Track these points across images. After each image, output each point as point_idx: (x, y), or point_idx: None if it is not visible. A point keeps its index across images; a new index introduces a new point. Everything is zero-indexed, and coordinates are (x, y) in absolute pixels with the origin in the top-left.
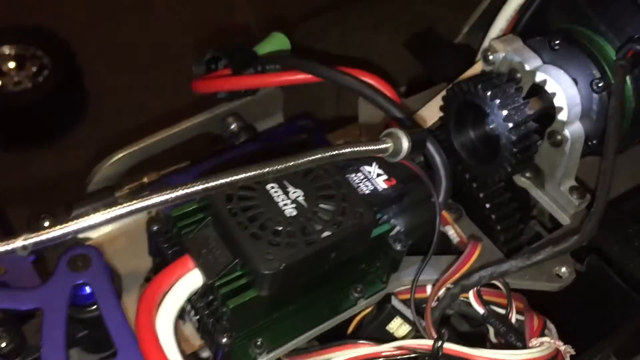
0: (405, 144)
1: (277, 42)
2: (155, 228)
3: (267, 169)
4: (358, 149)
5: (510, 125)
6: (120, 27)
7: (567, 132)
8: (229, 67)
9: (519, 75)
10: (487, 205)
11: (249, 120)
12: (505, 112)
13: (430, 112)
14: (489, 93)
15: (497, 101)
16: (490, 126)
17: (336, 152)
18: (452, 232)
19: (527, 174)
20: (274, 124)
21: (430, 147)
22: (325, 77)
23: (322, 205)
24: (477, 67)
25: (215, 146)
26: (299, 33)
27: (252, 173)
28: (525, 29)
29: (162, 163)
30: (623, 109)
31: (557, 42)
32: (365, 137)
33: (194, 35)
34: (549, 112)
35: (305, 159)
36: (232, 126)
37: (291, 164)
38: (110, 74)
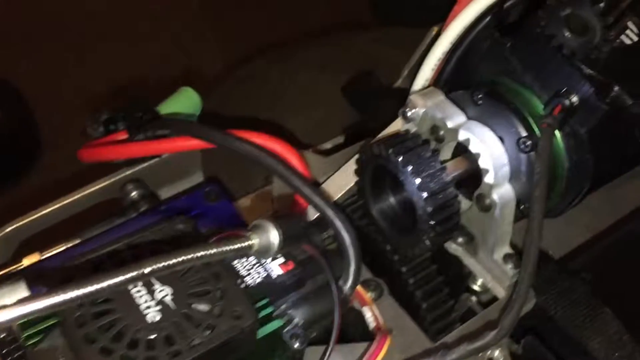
0: (275, 238)
1: (185, 98)
2: None
3: (104, 284)
4: (210, 251)
5: (425, 194)
6: (73, 70)
7: (495, 196)
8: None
9: (442, 133)
10: (411, 281)
11: (158, 185)
12: (418, 180)
13: (346, 177)
14: (400, 158)
15: (410, 167)
16: (406, 194)
17: (182, 258)
18: (369, 315)
19: (460, 240)
20: (192, 185)
21: (337, 223)
22: (220, 144)
23: (194, 306)
24: (397, 124)
25: (110, 218)
26: (239, 74)
27: (92, 288)
28: (451, 80)
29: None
30: (550, 173)
31: (480, 95)
32: (277, 203)
33: (155, 76)
34: (475, 174)
35: (137, 272)
36: (132, 194)
37: (126, 277)
38: (64, 119)
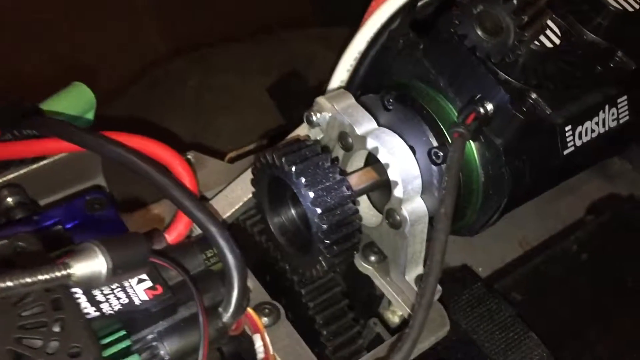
0: (102, 266)
1: (76, 94)
2: None
3: None
4: (10, 283)
5: (319, 210)
6: None
7: (404, 212)
8: None
9: (350, 140)
10: (311, 305)
11: (45, 191)
12: (312, 194)
13: (246, 187)
14: (293, 168)
15: (304, 179)
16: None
17: None
18: (259, 345)
19: (372, 258)
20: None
21: (219, 242)
22: (90, 147)
23: (25, 342)
24: (303, 129)
25: None
26: (157, 74)
27: None
28: (365, 83)
29: None
30: (465, 187)
31: (391, 100)
32: None
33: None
34: (385, 186)
35: None
36: (8, 200)
37: None
38: None
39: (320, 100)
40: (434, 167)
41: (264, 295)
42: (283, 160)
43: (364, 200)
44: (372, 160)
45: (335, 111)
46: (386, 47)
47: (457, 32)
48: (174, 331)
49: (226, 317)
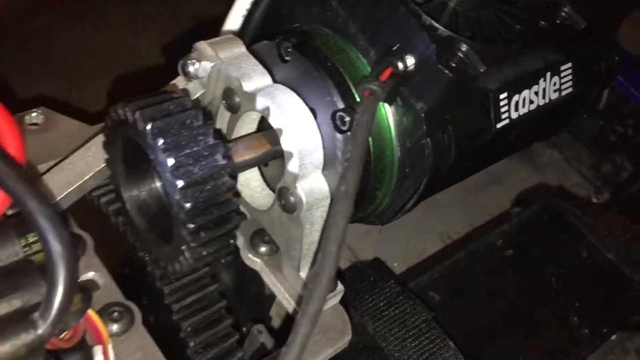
0: None
1: None
2: None
3: None
4: None
5: (180, 183)
6: None
7: (300, 191)
8: None
9: (237, 99)
10: (175, 307)
11: None
12: (172, 161)
13: (97, 153)
14: (149, 126)
15: (161, 141)
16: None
17: None
18: (100, 358)
19: (262, 249)
20: None
21: (40, 221)
22: None
23: None
24: (179, 83)
25: None
26: (36, 29)
27: None
28: (263, 31)
29: None
30: (377, 163)
31: (289, 49)
32: None
33: None
34: (279, 156)
35: None
36: None
37: None
38: None
39: (201, 45)
40: (339, 136)
41: (115, 294)
42: (137, 115)
43: (255, 177)
44: (265, 125)
45: (219, 61)
46: None
47: None
48: None
49: (43, 326)
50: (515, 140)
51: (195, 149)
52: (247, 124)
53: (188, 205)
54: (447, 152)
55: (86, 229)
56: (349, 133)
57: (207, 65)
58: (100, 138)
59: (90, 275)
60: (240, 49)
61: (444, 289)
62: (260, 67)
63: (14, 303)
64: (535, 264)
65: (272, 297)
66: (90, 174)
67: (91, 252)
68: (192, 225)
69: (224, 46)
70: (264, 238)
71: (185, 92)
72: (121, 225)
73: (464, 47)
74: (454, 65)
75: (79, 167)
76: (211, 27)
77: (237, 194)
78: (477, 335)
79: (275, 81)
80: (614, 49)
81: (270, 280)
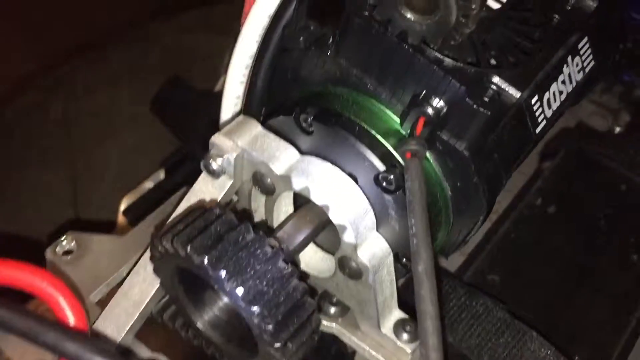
0: None
1: None
2: None
3: None
4: None
5: (256, 309)
6: None
7: (362, 259)
8: None
9: (269, 181)
10: None
11: None
12: (241, 291)
13: (146, 276)
14: (206, 259)
15: (224, 273)
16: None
17: None
18: None
19: (332, 311)
20: None
21: None
22: None
23: None
24: (203, 186)
25: None
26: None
27: None
28: (270, 94)
29: None
30: (426, 211)
31: (309, 120)
32: None
33: None
34: (326, 227)
35: None
36: None
37: None
38: None
39: (217, 139)
40: (387, 197)
41: None
42: (189, 249)
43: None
44: (303, 196)
45: (239, 150)
46: (285, 50)
47: (376, 17)
48: None
49: None
50: (550, 126)
51: (258, 267)
52: (285, 199)
53: (270, 327)
54: (498, 176)
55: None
56: (397, 192)
57: (229, 157)
58: (146, 259)
59: None
60: (257, 128)
61: (502, 268)
62: (283, 143)
63: None
64: (580, 212)
65: (353, 353)
66: (148, 299)
67: None
68: (279, 344)
69: (239, 132)
70: (331, 300)
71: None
72: (193, 338)
73: (494, 79)
74: (487, 100)
75: (134, 294)
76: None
77: (311, 293)
78: (547, 303)
79: (302, 152)
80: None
81: (352, 341)
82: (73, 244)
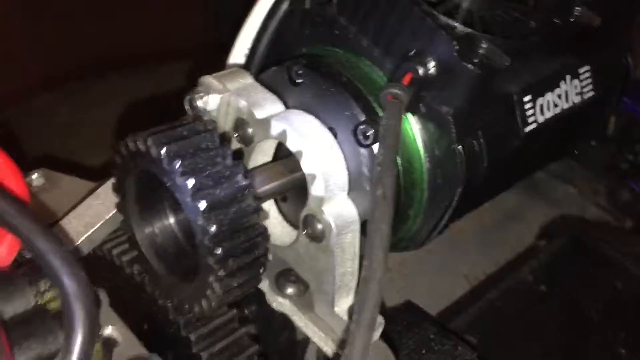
0: None
1: None
2: None
3: None
4: None
5: (202, 205)
6: None
7: (327, 215)
8: None
9: (250, 130)
10: (204, 356)
11: None
12: (191, 182)
13: (106, 202)
14: (164, 150)
15: (178, 164)
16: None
17: None
18: None
19: (288, 290)
20: None
21: (54, 262)
22: None
23: None
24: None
25: None
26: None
27: None
28: (269, 62)
29: None
30: (396, 165)
31: (300, 71)
32: None
33: None
34: (301, 183)
35: None
36: None
37: None
38: None
39: (207, 79)
40: (363, 151)
41: (137, 348)
42: (150, 142)
43: (273, 214)
44: (281, 156)
45: (227, 92)
46: (290, 12)
47: None
48: None
49: None
50: (543, 150)
51: (214, 169)
52: (262, 156)
53: (213, 228)
54: (479, 158)
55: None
56: (373, 146)
57: (215, 97)
58: (109, 185)
59: (108, 330)
60: (248, 79)
61: (481, 331)
62: (270, 95)
63: (29, 353)
64: (571, 297)
65: (305, 342)
66: (101, 222)
67: (106, 308)
68: (219, 250)
69: (230, 78)
70: (289, 278)
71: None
72: (137, 274)
73: (484, 44)
74: (476, 61)
75: (88, 216)
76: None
77: (263, 216)
78: None
79: (287, 107)
80: (628, 50)
81: (302, 321)
82: (42, 179)
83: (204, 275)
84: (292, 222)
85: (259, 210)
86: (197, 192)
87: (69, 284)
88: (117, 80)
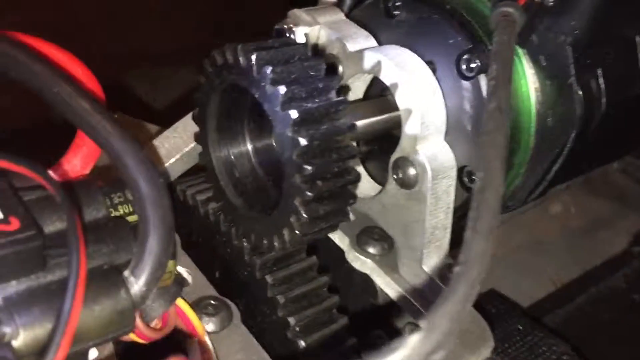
0: None
1: None
2: None
3: None
4: None
5: (294, 115)
6: None
7: (422, 157)
8: None
9: (340, 67)
10: (280, 300)
11: None
12: (283, 89)
13: (185, 135)
14: (254, 56)
15: (269, 70)
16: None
17: None
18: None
19: (371, 249)
20: None
21: (129, 163)
22: None
23: None
24: None
25: None
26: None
27: None
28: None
29: None
30: (511, 81)
31: (397, 2)
32: None
33: None
34: (391, 126)
35: None
36: None
37: None
38: None
39: (296, 11)
40: (466, 84)
41: (208, 289)
42: (240, 50)
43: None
44: (372, 96)
45: (317, 25)
46: None
47: None
48: (34, 299)
49: (136, 285)
50: None
51: (308, 81)
52: (352, 96)
53: (304, 142)
54: (597, 101)
55: None
56: (479, 77)
57: (305, 30)
58: (187, 120)
59: (179, 270)
60: (339, 15)
61: (569, 335)
62: (363, 31)
63: (99, 259)
64: None
65: (386, 306)
66: (178, 155)
67: (178, 249)
68: (308, 168)
69: (321, 12)
70: (373, 236)
71: None
72: (212, 213)
73: None
74: None
75: (165, 149)
76: None
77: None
78: None
79: (380, 45)
80: None
81: (385, 281)
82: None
83: (287, 201)
84: (378, 180)
85: (353, 129)
86: (288, 102)
87: (145, 187)
88: None
